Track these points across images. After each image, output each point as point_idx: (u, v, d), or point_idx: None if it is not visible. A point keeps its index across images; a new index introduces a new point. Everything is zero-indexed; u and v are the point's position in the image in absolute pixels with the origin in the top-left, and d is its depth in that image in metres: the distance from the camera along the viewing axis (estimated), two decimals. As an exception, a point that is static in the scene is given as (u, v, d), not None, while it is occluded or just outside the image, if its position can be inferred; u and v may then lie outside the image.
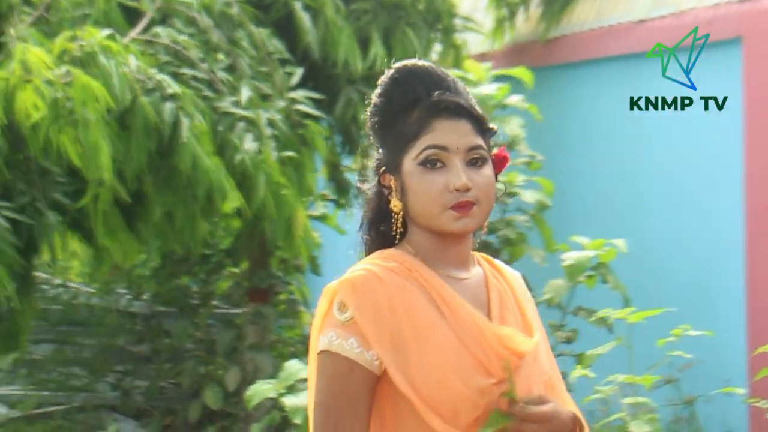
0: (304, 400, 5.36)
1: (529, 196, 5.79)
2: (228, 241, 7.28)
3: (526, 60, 7.00)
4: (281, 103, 5.82)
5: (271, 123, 5.68)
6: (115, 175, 5.24)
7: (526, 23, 7.24)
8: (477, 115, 2.14)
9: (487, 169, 2.13)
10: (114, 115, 5.27)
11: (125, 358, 7.90)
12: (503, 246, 5.84)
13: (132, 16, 5.84)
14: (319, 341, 2.10)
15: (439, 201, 2.08)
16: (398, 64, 2.21)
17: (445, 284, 2.11)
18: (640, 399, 4.18)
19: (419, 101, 2.14)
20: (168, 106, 5.33)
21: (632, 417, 4.25)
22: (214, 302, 7.66)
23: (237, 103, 5.64)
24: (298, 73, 5.97)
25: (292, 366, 5.58)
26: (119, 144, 5.29)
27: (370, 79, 6.57)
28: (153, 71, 5.45)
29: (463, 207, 2.08)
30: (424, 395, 2.03)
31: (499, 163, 2.20)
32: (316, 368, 2.10)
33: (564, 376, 5.42)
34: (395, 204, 2.16)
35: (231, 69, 5.83)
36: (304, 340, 7.48)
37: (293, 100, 5.86)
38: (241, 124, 5.58)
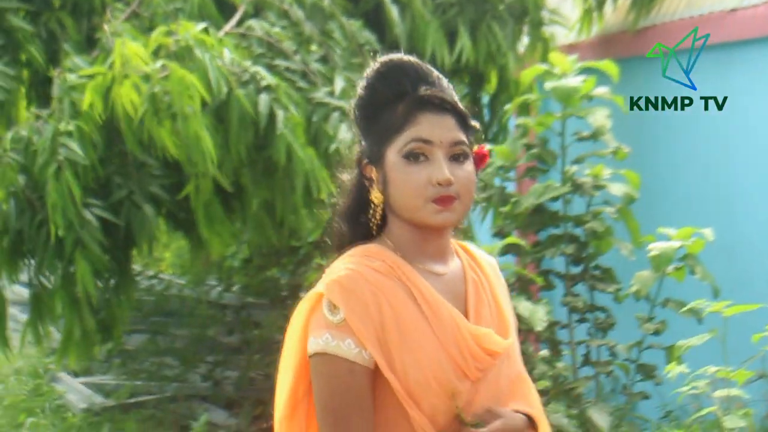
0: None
1: (615, 189, 5.75)
2: (316, 233, 7.32)
3: (614, 51, 6.94)
4: (374, 94, 5.85)
5: (364, 113, 5.72)
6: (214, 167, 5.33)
7: (614, 14, 7.17)
8: (461, 111, 2.18)
9: (469, 165, 2.17)
10: (210, 108, 5.34)
11: (216, 348, 7.99)
12: (590, 239, 5.81)
13: (225, 9, 5.91)
14: (309, 343, 2.13)
15: (422, 194, 2.11)
16: (384, 58, 2.22)
17: (427, 283, 2.15)
18: (734, 392, 4.13)
19: (404, 95, 2.16)
20: (263, 98, 5.38)
21: (725, 411, 4.21)
22: (303, 294, 7.70)
23: (331, 94, 5.68)
24: (389, 64, 5.99)
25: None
26: (216, 136, 5.36)
27: (456, 72, 6.55)
28: (247, 63, 5.51)
29: (444, 201, 2.12)
30: (407, 392, 2.09)
31: (480, 160, 2.23)
32: (309, 371, 2.14)
33: (654, 369, 5.42)
34: (376, 195, 2.19)
35: (324, 60, 5.87)
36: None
37: (385, 91, 5.88)
38: (335, 115, 5.62)
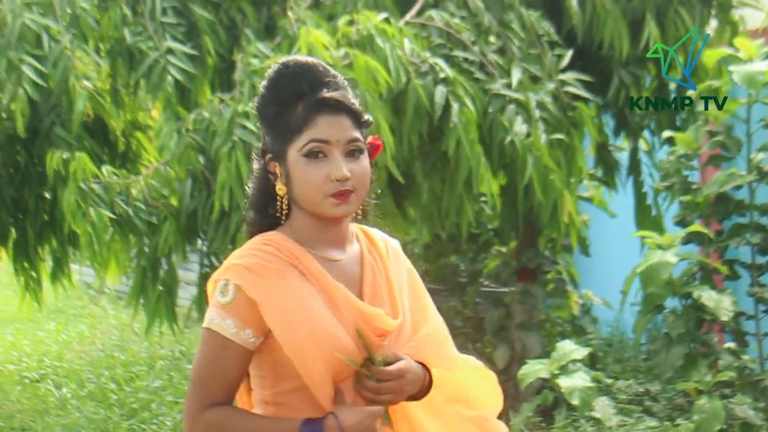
0: (578, 381, 5.38)
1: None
2: (497, 220, 7.32)
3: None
4: (551, 86, 5.81)
5: (540, 105, 5.69)
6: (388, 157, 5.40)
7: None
8: (355, 110, 2.40)
9: (364, 159, 2.40)
10: (387, 97, 5.40)
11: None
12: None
13: (402, 1, 5.96)
14: (205, 318, 2.40)
15: (321, 189, 2.34)
16: (284, 59, 2.43)
17: (321, 267, 2.38)
18: None
19: (303, 96, 2.38)
20: (440, 90, 5.41)
21: None
22: (483, 281, 7.70)
23: (508, 86, 5.68)
24: (568, 55, 5.94)
25: (565, 346, 5.61)
26: (391, 126, 5.42)
27: (642, 60, 6.44)
28: (426, 54, 5.56)
29: (342, 195, 2.35)
30: (304, 364, 2.31)
31: (373, 151, 2.46)
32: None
33: None
34: (280, 188, 2.41)
35: (501, 51, 5.86)
36: (573, 321, 7.44)
37: (563, 83, 5.84)
38: (511, 107, 5.60)
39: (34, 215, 7.09)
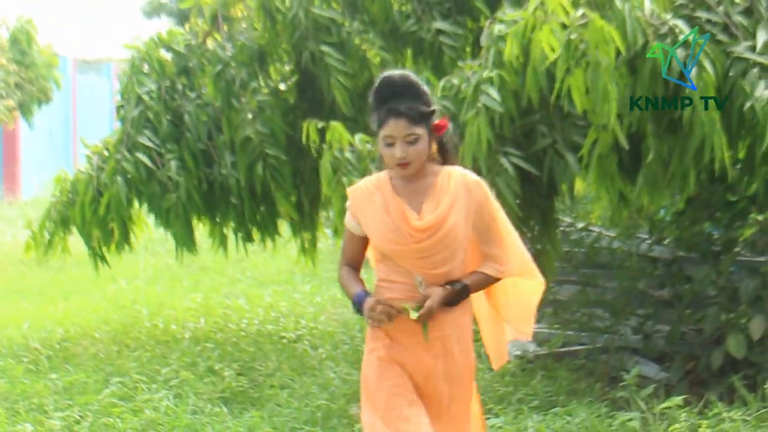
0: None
1: None
2: (753, 187, 7.07)
3: None
4: (802, 48, 5.51)
5: (786, 68, 5.41)
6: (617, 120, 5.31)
7: None
8: (411, 115, 3.99)
9: (419, 143, 4.03)
10: (623, 59, 5.30)
11: (646, 301, 7.90)
12: None
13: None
14: None
15: (391, 162, 4.04)
16: (385, 73, 4.08)
17: (391, 190, 4.12)
18: None
19: (384, 103, 4.02)
20: (678, 53, 5.27)
21: None
22: (737, 249, 7.47)
23: (752, 48, 5.44)
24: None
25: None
26: (624, 89, 5.32)
27: None
28: (667, 16, 5.40)
29: (402, 165, 4.03)
30: (374, 242, 4.16)
31: (437, 128, 4.10)
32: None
33: None
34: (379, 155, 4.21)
35: (748, 12, 5.62)
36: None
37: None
38: (754, 71, 5.37)
39: (309, 184, 7.60)
